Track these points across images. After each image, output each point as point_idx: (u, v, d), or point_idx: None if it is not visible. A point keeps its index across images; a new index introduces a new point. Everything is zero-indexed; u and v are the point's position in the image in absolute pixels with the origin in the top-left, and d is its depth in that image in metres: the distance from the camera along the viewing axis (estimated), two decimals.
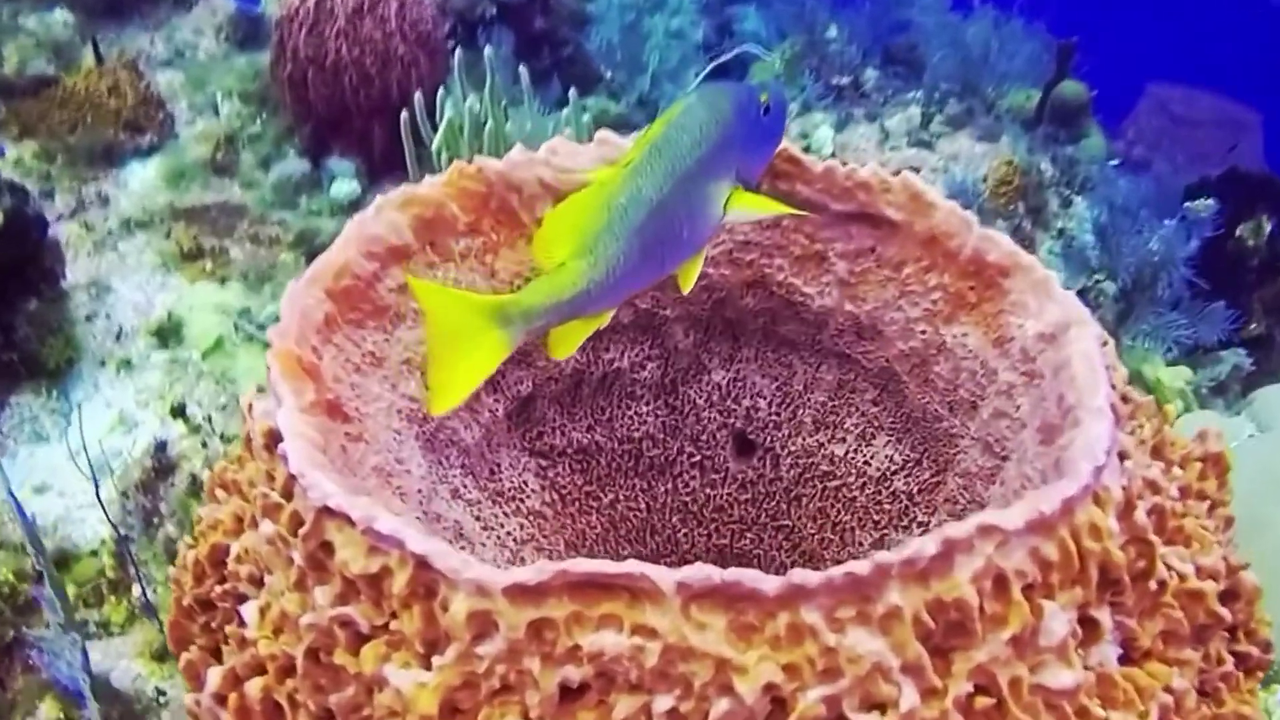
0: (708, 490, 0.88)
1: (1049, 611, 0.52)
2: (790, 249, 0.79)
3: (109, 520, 1.19)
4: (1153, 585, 0.57)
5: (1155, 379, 1.67)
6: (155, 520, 1.25)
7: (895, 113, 1.99)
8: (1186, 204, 1.88)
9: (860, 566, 0.49)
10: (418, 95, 1.60)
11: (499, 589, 0.49)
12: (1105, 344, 0.65)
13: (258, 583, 0.63)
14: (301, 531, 0.56)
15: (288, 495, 0.58)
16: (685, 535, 0.89)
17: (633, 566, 0.48)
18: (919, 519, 0.80)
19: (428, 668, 0.52)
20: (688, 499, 0.88)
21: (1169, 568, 0.59)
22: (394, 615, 0.53)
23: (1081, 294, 1.86)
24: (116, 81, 2.07)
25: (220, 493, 0.69)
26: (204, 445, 1.34)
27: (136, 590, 1.19)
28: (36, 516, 1.29)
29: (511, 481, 0.82)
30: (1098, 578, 0.54)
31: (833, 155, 1.88)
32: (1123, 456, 0.59)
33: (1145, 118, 3.86)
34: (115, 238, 1.75)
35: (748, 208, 0.71)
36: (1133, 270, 1.71)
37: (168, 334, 1.59)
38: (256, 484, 0.62)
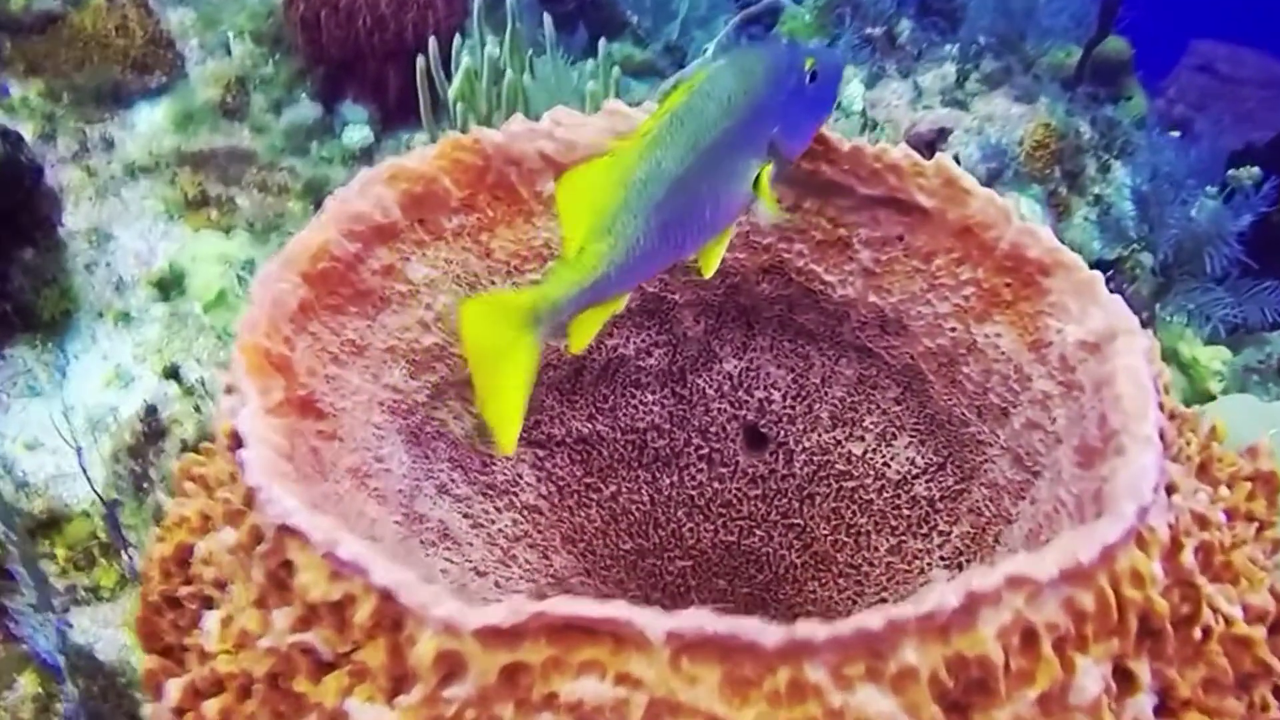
0: (716, 484, 0.83)
1: (1082, 667, 0.47)
2: (811, 234, 0.73)
3: (96, 493, 1.15)
4: (1197, 633, 0.52)
5: (1191, 357, 1.60)
6: (145, 485, 1.21)
7: (929, 69, 1.91)
8: (1230, 172, 1.80)
9: (872, 620, 0.43)
10: (433, 40, 1.53)
11: (469, 630, 0.44)
12: (1152, 356, 0.58)
13: (222, 587, 0.58)
14: (260, 548, 0.51)
15: (249, 503, 0.53)
16: (690, 530, 0.84)
17: (618, 610, 0.43)
18: (940, 527, 0.74)
19: (393, 701, 0.48)
20: (694, 493, 0.83)
21: (1214, 610, 0.54)
22: (357, 645, 0.48)
23: (1116, 265, 1.79)
24: (125, 19, 2.00)
25: (189, 485, 0.64)
26: (197, 409, 1.30)
27: (125, 558, 1.15)
28: (28, 475, 1.26)
29: (505, 474, 0.77)
30: (1137, 628, 0.49)
31: (862, 114, 1.80)
32: (1170, 490, 0.53)
33: (1188, 76, 3.72)
34: (118, 183, 1.70)
35: (767, 198, 0.65)
36: (1173, 243, 1.63)
37: (169, 285, 1.55)
38: (223, 483, 0.58)
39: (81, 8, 2.05)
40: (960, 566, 0.72)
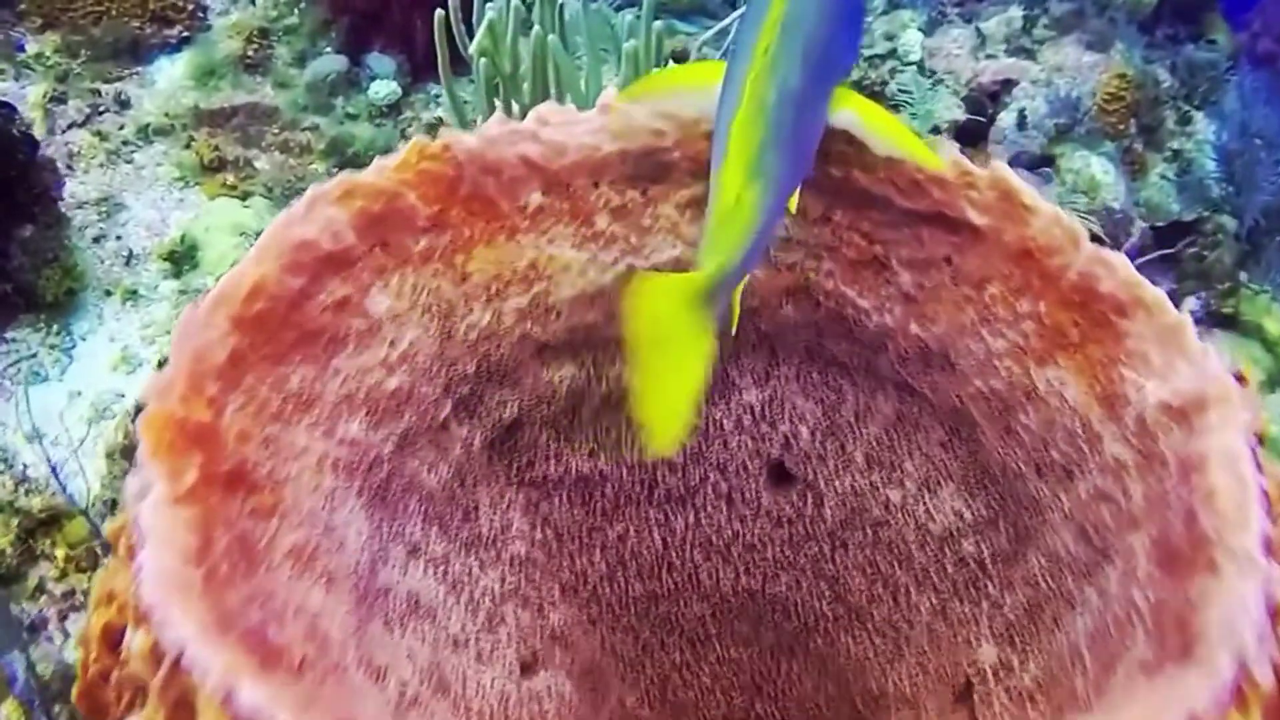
0: (736, 525, 0.73)
1: None
2: (843, 251, 0.62)
3: (83, 513, 1.09)
4: None
5: (1278, 336, 1.46)
6: None
7: (994, 13, 1.75)
8: None
9: None
10: None
11: None
12: (1256, 429, 0.47)
13: (142, 691, 0.50)
14: (156, 679, 0.43)
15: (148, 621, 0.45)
16: (709, 573, 0.74)
17: None
18: (990, 593, 0.64)
19: None
20: (712, 534, 0.74)
21: None
22: None
23: (1195, 227, 1.64)
24: None
25: (118, 555, 0.56)
26: None
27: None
28: (28, 469, 1.20)
29: (492, 523, 0.68)
30: None
31: (919, 65, 1.66)
32: (1276, 613, 0.42)
33: (1276, 7, 3.46)
34: (131, 148, 1.62)
35: (859, 113, 0.56)
36: (1262, 207, 1.49)
37: (181, 259, 1.47)
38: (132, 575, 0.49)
39: None
40: (1013, 643, 0.62)
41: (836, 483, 0.69)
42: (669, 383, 0.49)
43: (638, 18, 1.28)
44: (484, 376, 0.64)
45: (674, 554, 0.74)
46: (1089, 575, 0.56)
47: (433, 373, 0.61)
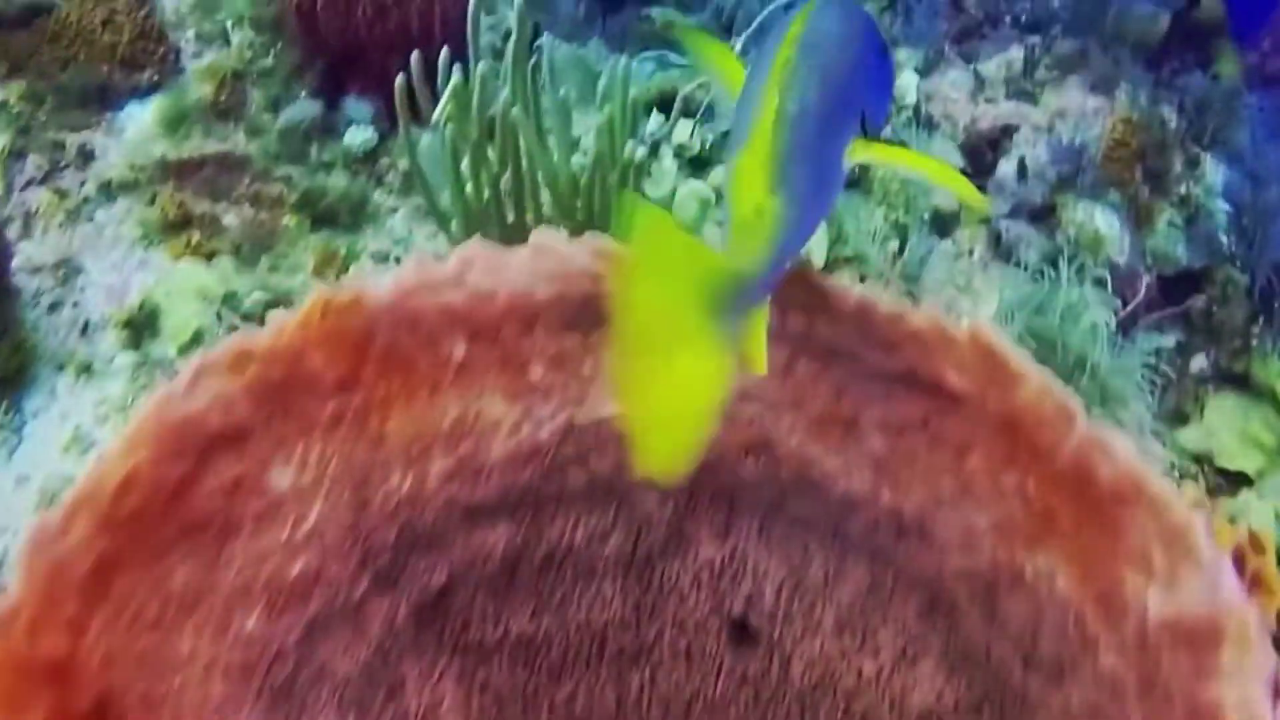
0: (697, 682, 0.66)
1: None
2: (806, 406, 0.55)
3: None
4: None
5: None
6: None
7: (994, 51, 1.68)
8: None
9: None
10: (415, 55, 1.30)
11: None
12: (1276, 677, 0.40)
13: None
14: None
15: None
16: None
17: None
18: None
19: None
20: (670, 693, 0.67)
21: None
22: None
23: (1206, 277, 1.56)
24: (113, 13, 1.85)
25: None
26: None
27: None
28: None
29: (420, 699, 0.61)
30: None
31: (915, 110, 1.59)
32: None
33: None
34: (92, 205, 1.55)
35: (877, 156, 0.53)
36: (1273, 264, 1.41)
37: (141, 326, 1.40)
38: None
39: None
40: None
41: (805, 645, 0.62)
42: (672, 385, 0.39)
43: (611, 82, 1.18)
44: (407, 545, 0.57)
45: (631, 714, 0.67)
46: None
47: (345, 549, 0.55)
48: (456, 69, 1.26)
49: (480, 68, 1.19)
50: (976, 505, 0.52)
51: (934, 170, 0.54)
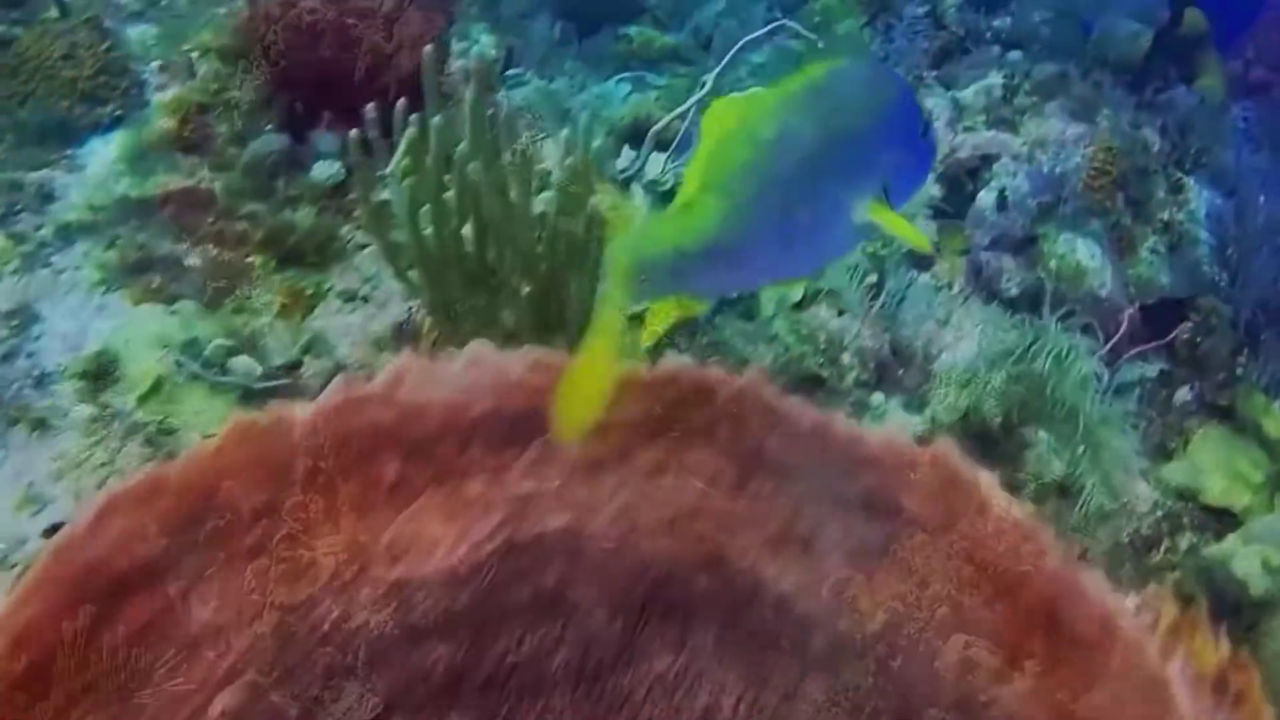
0: None
1: None
2: (761, 524, 0.52)
3: None
4: None
5: (1277, 437, 1.35)
6: None
7: (973, 78, 1.65)
8: None
9: None
10: (371, 106, 1.21)
11: None
12: None
13: None
14: None
15: None
16: None
17: None
18: None
19: None
20: None
21: None
22: None
23: (1189, 304, 1.54)
24: (73, 45, 1.81)
25: None
26: None
27: None
28: None
29: None
30: None
31: None
32: None
33: (1267, 33, 3.36)
34: (50, 249, 1.51)
35: (883, 222, 0.52)
36: (1257, 299, 1.38)
37: (98, 376, 1.36)
38: None
39: (29, 28, 1.86)
40: None
41: None
42: (580, 362, 0.46)
43: (576, 134, 1.14)
44: (338, 672, 0.54)
45: None
46: None
47: (270, 682, 0.51)
48: (414, 119, 1.21)
49: (435, 120, 1.15)
50: (941, 633, 0.49)
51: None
